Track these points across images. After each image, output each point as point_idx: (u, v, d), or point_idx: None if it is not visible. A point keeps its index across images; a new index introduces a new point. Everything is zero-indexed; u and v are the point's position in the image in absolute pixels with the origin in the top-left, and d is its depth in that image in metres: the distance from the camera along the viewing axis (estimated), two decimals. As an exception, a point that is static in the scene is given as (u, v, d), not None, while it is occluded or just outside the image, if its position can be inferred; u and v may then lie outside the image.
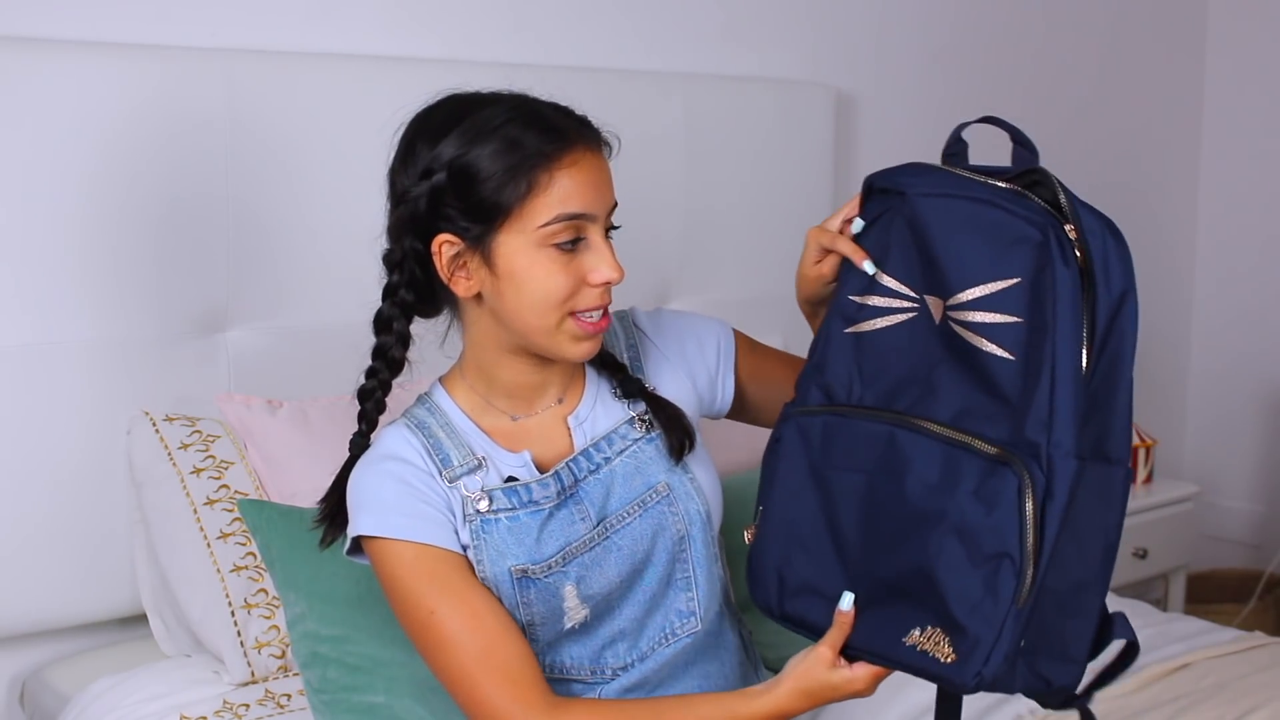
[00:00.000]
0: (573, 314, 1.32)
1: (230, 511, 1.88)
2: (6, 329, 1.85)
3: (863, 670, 1.24)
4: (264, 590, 1.84)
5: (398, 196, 1.35)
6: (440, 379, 1.45)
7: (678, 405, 1.45)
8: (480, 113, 1.32)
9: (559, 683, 1.41)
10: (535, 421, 1.42)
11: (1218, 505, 3.61)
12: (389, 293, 1.38)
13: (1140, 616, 2.22)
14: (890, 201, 1.30)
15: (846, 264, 1.33)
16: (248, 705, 1.76)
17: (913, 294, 1.26)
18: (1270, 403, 3.56)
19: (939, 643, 1.17)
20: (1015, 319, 1.17)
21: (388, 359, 1.40)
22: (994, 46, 3.13)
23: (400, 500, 1.34)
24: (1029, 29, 3.20)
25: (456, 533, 1.35)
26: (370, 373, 1.42)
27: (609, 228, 1.35)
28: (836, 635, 1.24)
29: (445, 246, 1.33)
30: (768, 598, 1.32)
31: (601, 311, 1.33)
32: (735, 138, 2.57)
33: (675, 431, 1.42)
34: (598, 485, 1.40)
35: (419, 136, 1.35)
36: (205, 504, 1.88)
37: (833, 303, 1.34)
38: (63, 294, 1.89)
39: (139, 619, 1.99)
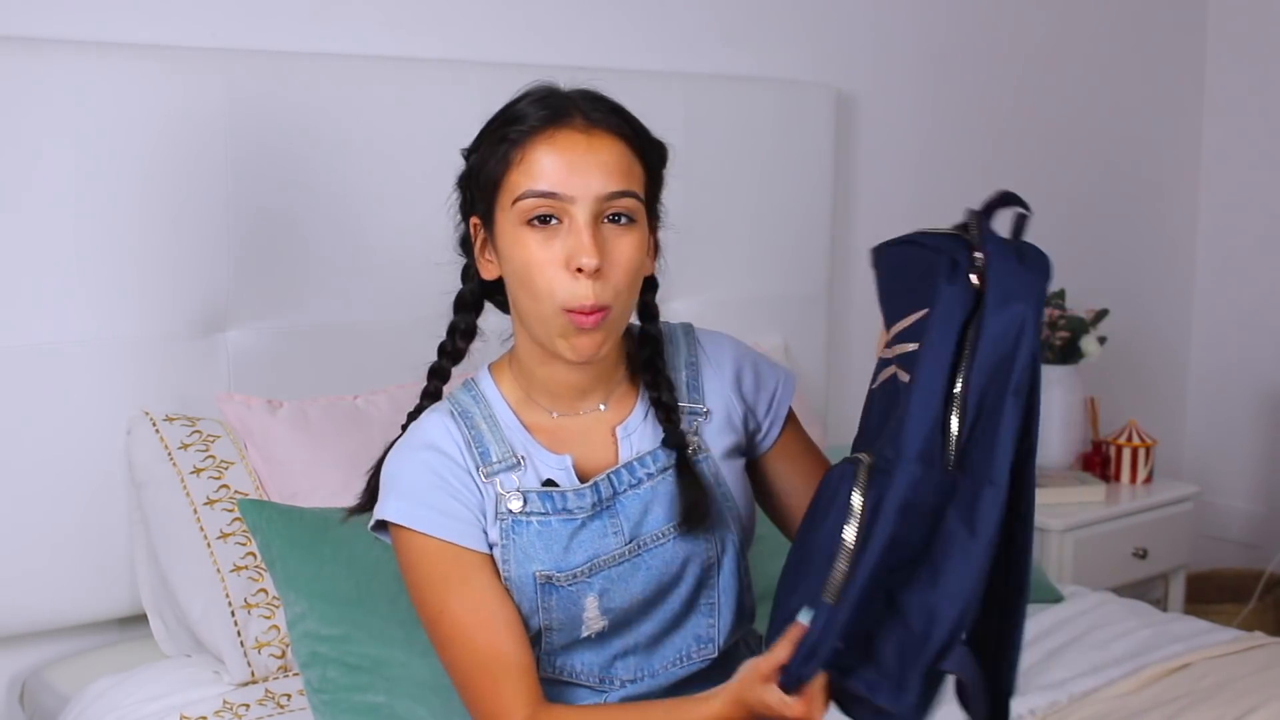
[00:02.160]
0: (565, 310, 1.28)
1: (230, 511, 1.88)
2: (7, 330, 1.85)
3: (799, 698, 1.18)
4: (264, 590, 1.84)
5: (457, 182, 1.39)
6: (490, 365, 1.44)
7: (708, 454, 1.41)
8: (512, 99, 1.35)
9: (566, 686, 1.40)
10: (578, 423, 1.40)
11: (1218, 505, 3.61)
12: (464, 274, 1.43)
13: (1140, 616, 2.22)
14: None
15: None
16: (248, 705, 1.76)
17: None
18: (1270, 403, 3.56)
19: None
20: (916, 346, 1.19)
21: (454, 341, 1.43)
22: (994, 47, 3.13)
23: (431, 493, 1.34)
24: (1029, 29, 3.20)
25: (485, 531, 1.35)
26: (441, 349, 1.44)
27: (611, 214, 1.30)
28: (781, 650, 1.20)
29: (476, 229, 1.36)
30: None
31: (591, 307, 1.27)
32: (735, 138, 2.57)
33: (689, 496, 1.37)
34: (636, 501, 1.37)
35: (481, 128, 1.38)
36: (205, 504, 1.88)
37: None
38: (62, 294, 1.89)
39: (139, 619, 1.99)
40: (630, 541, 1.36)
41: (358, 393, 2.07)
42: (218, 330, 2.03)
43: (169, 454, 1.90)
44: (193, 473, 1.90)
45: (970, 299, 1.17)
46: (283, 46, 2.12)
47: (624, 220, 1.31)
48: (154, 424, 1.92)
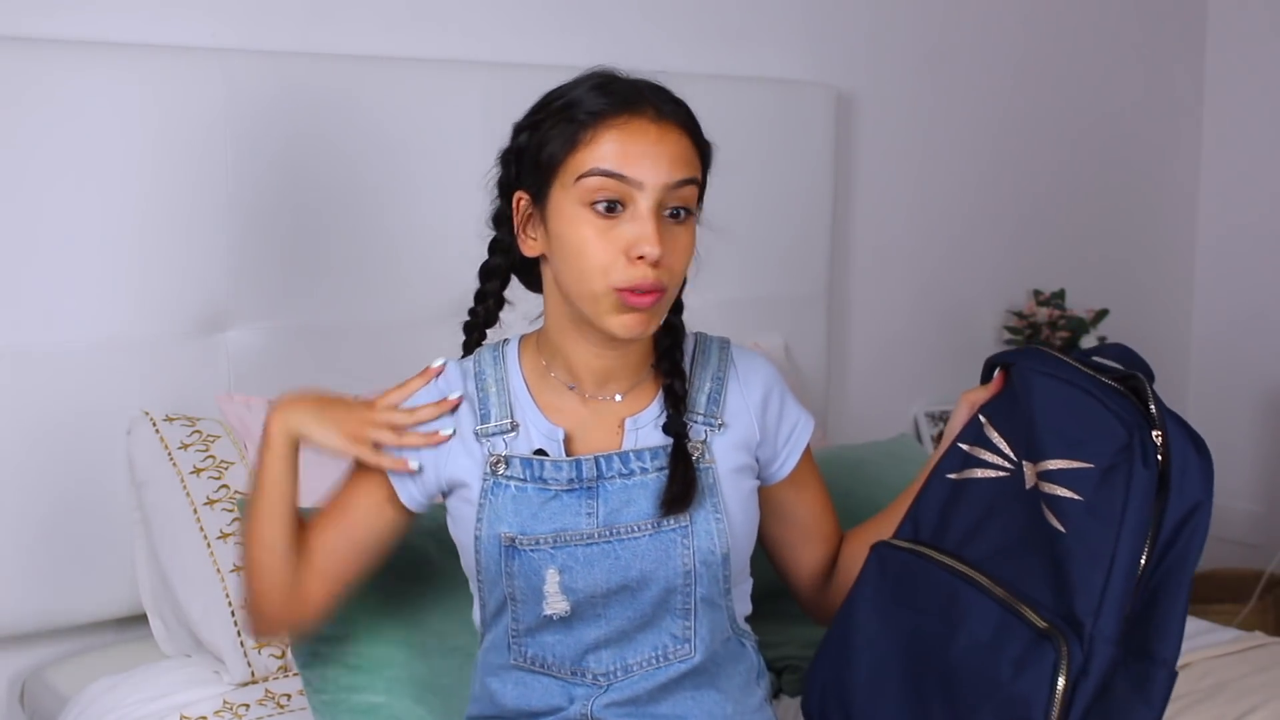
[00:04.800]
0: (616, 290, 1.31)
1: (230, 511, 1.88)
2: (7, 329, 1.85)
3: None
4: (264, 590, 1.84)
5: (500, 157, 1.42)
6: (521, 336, 1.48)
7: (711, 465, 1.42)
8: (574, 81, 1.37)
9: (538, 676, 1.41)
10: (589, 406, 1.42)
11: (1218, 505, 3.57)
12: (492, 248, 1.46)
13: (1140, 617, 2.22)
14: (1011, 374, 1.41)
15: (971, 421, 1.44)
16: (248, 705, 1.76)
17: (1013, 456, 1.36)
18: (1270, 403, 3.56)
19: None
20: (1077, 497, 1.26)
21: (486, 306, 1.47)
22: (994, 47, 3.13)
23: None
24: (1028, 29, 3.20)
25: (441, 492, 1.43)
26: (470, 313, 1.48)
27: (671, 208, 1.33)
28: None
29: (521, 204, 1.38)
30: (809, 703, 1.44)
31: (650, 288, 1.31)
32: (735, 138, 2.56)
33: (677, 485, 1.38)
34: (620, 491, 1.39)
35: (535, 105, 1.40)
36: (205, 504, 1.88)
37: (947, 448, 1.44)
38: (62, 294, 1.89)
39: (139, 619, 1.99)
40: (602, 526, 1.37)
41: (358, 393, 2.06)
42: (218, 330, 2.03)
43: (169, 454, 1.90)
44: (193, 473, 1.90)
45: (1155, 481, 1.25)
46: (283, 46, 2.12)
47: (682, 215, 1.34)
48: (154, 424, 1.92)
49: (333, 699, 1.66)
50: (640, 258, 1.30)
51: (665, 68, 2.60)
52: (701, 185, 1.39)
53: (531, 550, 1.36)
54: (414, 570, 1.66)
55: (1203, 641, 2.09)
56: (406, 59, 2.23)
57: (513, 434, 1.40)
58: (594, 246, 1.31)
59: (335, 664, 1.68)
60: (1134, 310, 3.45)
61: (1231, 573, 3.39)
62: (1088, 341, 3.09)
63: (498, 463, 1.38)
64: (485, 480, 1.39)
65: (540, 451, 1.39)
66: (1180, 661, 1.97)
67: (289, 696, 1.79)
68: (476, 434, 1.40)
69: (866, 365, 2.98)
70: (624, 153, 1.30)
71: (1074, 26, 3.30)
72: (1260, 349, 3.57)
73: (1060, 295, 3.14)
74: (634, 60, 2.57)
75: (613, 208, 1.31)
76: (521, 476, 1.38)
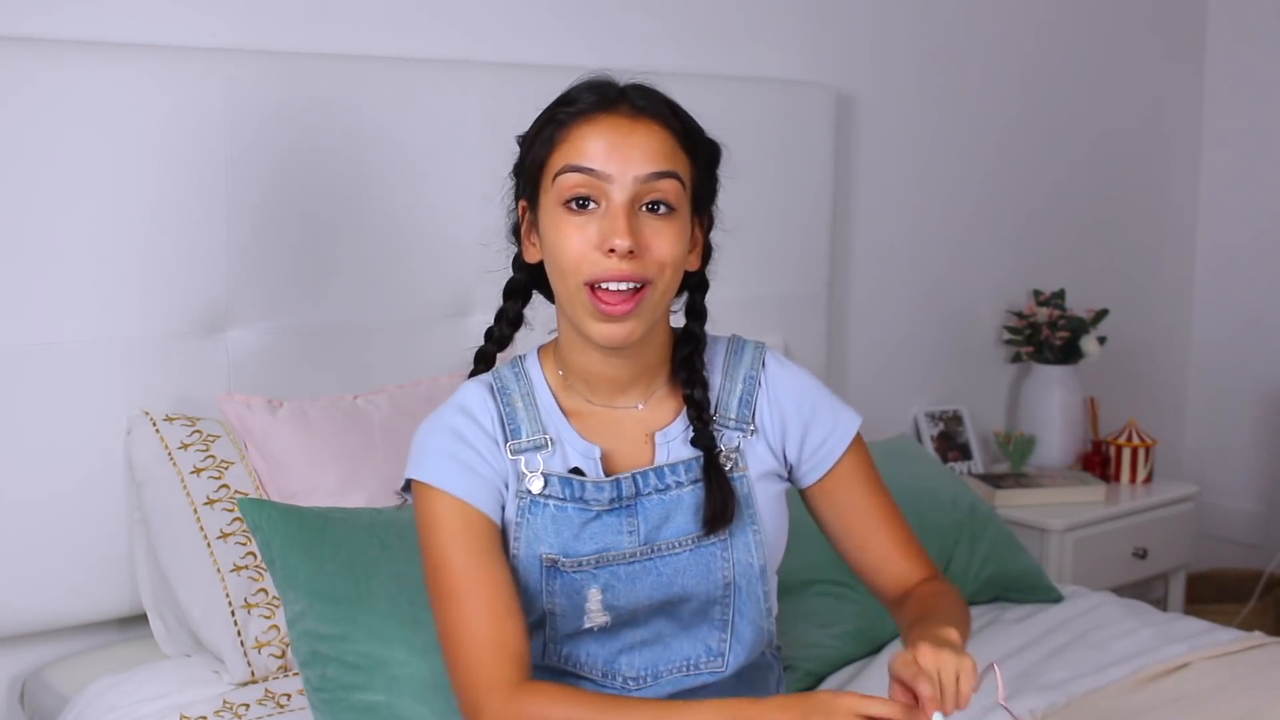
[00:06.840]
0: (590, 286, 1.29)
1: (230, 511, 1.88)
2: (8, 329, 1.85)
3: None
4: (264, 590, 1.84)
5: (511, 170, 1.41)
6: (539, 346, 1.45)
7: (744, 474, 1.40)
8: (569, 87, 1.36)
9: (571, 676, 1.41)
10: (613, 416, 1.40)
11: (1218, 505, 3.61)
12: (513, 263, 1.43)
13: (1140, 616, 2.22)
14: None
15: None
16: (248, 705, 1.76)
17: None
18: (1270, 403, 3.56)
19: None
20: None
21: (500, 327, 1.43)
22: (994, 47, 3.13)
23: (456, 451, 1.35)
24: (1029, 29, 3.20)
25: (503, 505, 1.36)
26: (485, 334, 1.44)
27: (648, 202, 1.30)
28: (890, 709, 1.17)
29: (524, 213, 1.38)
30: None
31: (622, 290, 1.28)
32: (735, 138, 2.55)
33: (716, 502, 1.36)
34: (659, 506, 1.37)
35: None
36: (205, 504, 1.88)
37: None
38: (62, 294, 1.89)
39: (139, 619, 1.99)
40: (644, 544, 1.36)
41: (358, 393, 2.07)
42: (218, 330, 2.03)
43: (169, 454, 1.90)
44: (193, 473, 1.90)
45: None
46: (283, 46, 2.12)
47: (663, 210, 1.31)
48: (154, 424, 1.92)
49: (332, 698, 1.66)
50: (611, 251, 1.27)
51: (665, 68, 2.60)
52: (692, 183, 1.36)
53: (574, 571, 1.35)
54: (414, 570, 1.66)
55: (1203, 641, 2.09)
56: (406, 59, 2.23)
57: (548, 450, 1.37)
58: (569, 242, 1.29)
59: (335, 662, 1.68)
60: (1134, 311, 3.45)
61: (1231, 573, 3.39)
62: (1088, 341, 3.09)
63: (535, 480, 1.35)
64: (521, 499, 1.36)
65: (576, 470, 1.37)
66: (1180, 661, 1.99)
67: (289, 696, 1.79)
68: (508, 451, 1.37)
69: (866, 365, 2.98)
70: (595, 148, 1.29)
71: (1074, 26, 3.30)
72: (1260, 349, 3.57)
73: (1060, 295, 3.14)
74: (634, 60, 2.57)
75: (584, 204, 1.29)
76: (561, 496, 1.36)
